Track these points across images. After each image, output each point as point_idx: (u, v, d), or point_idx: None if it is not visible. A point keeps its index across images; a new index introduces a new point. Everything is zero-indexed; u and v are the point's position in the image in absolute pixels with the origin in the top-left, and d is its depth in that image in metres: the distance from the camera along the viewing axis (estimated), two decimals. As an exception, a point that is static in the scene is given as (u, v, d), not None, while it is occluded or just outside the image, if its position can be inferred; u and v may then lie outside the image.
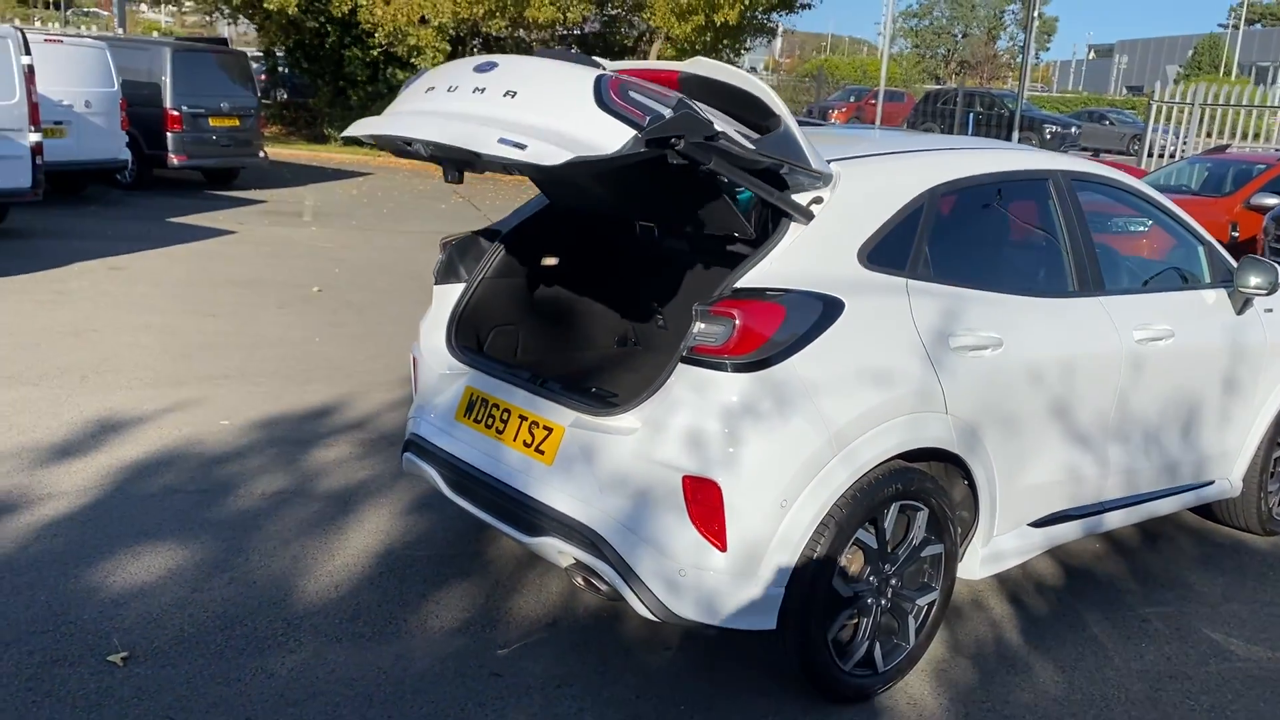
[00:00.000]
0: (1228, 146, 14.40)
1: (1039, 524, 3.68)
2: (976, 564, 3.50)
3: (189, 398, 5.71)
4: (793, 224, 3.05)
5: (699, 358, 2.85)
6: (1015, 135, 21.01)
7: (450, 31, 21.87)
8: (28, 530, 3.97)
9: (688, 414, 2.86)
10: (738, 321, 2.82)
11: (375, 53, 22.33)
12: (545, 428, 3.18)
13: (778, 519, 2.86)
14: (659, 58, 23.87)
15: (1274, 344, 4.47)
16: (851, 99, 35.79)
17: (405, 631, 3.44)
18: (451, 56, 22.96)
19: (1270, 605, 4.13)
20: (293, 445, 5.09)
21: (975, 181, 3.54)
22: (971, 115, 30.05)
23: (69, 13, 66.33)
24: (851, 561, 3.13)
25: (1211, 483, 4.44)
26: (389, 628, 3.46)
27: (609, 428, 3.01)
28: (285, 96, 30.50)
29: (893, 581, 3.22)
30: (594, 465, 3.02)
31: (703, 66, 3.14)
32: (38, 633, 3.27)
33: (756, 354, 2.83)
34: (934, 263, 3.33)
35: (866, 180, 3.27)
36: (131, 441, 4.99)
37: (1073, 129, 30.93)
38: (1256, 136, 18.57)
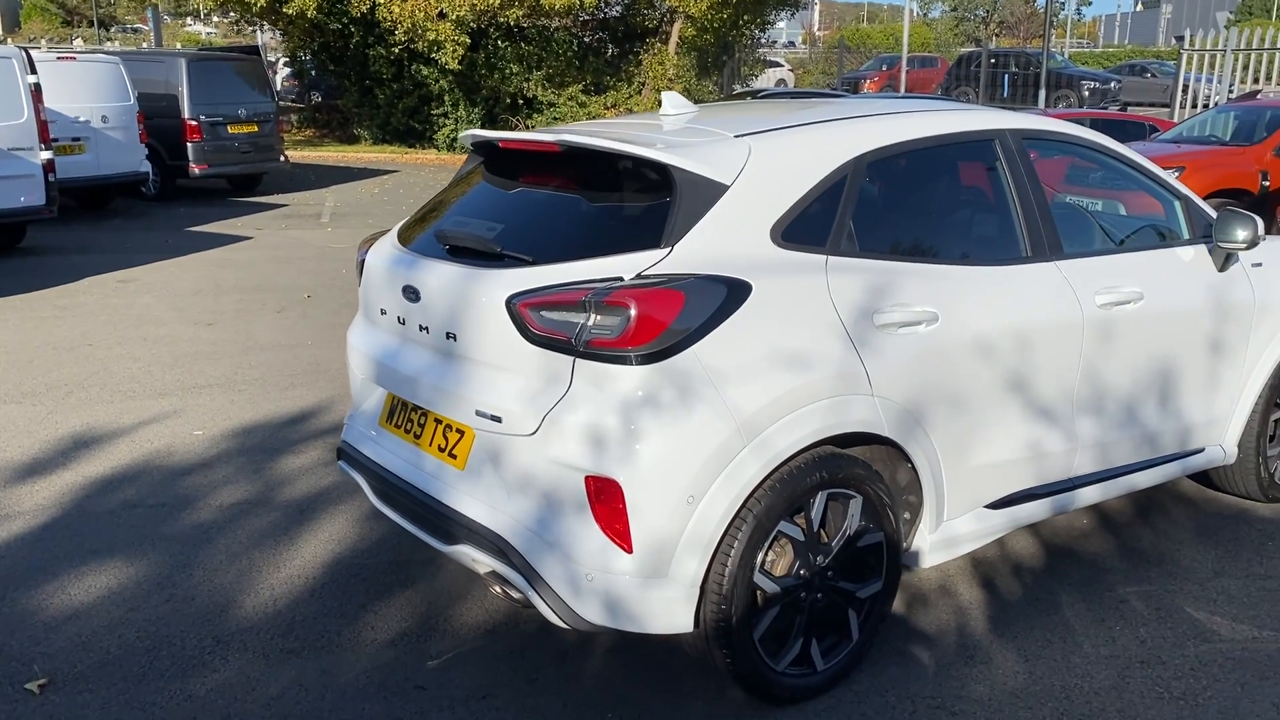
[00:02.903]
0: (1258, 93, 13.83)
1: (999, 505, 3.49)
2: (925, 551, 3.33)
3: (168, 409, 5.69)
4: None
5: (595, 351, 2.71)
6: (1042, 94, 20.44)
7: (470, 25, 21.80)
8: (-22, 554, 3.95)
9: (586, 410, 2.72)
10: (633, 311, 2.67)
11: (397, 50, 22.35)
12: (458, 430, 3.07)
13: (686, 516, 2.72)
14: (680, 38, 23.60)
15: (1264, 301, 4.21)
16: (883, 68, 35.17)
17: (337, 645, 3.36)
18: (472, 49, 22.94)
19: (1264, 580, 3.89)
20: (262, 453, 5.04)
21: (908, 147, 3.35)
22: (1006, 76, 29.34)
23: (114, 29, 67.48)
24: (778, 555, 2.98)
25: (1200, 451, 4.20)
26: (320, 641, 3.37)
27: (510, 428, 2.88)
28: (319, 99, 30.75)
29: (828, 574, 3.06)
30: (500, 468, 2.90)
31: (575, 133, 3.15)
32: (-38, 661, 3.23)
33: (655, 344, 2.68)
34: (860, 236, 3.15)
35: (780, 153, 3.10)
36: (101, 457, 4.97)
37: (1112, 84, 30.04)
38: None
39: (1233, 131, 11.71)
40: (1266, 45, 15.64)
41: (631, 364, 2.68)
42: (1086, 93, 29.54)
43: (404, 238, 3.43)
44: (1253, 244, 3.93)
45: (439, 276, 3.07)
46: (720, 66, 25.03)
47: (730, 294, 2.78)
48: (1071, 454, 3.65)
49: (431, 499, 3.07)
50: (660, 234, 2.84)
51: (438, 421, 3.14)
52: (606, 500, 2.69)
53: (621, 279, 2.75)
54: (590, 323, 2.71)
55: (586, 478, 2.71)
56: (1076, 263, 3.64)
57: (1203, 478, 4.61)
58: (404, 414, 3.30)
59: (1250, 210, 10.62)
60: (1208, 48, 16.16)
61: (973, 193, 3.69)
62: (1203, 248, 4.08)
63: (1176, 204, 4.13)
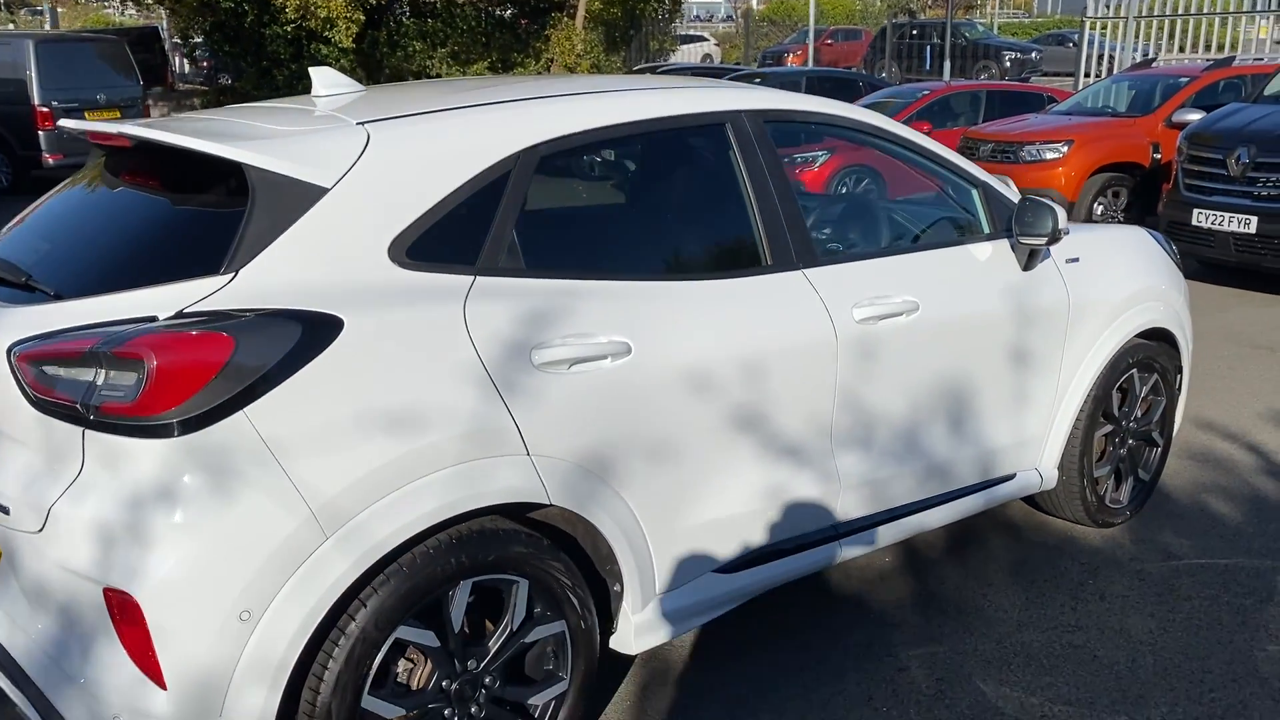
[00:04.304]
0: (1153, 61, 13.41)
1: (735, 567, 2.88)
2: (631, 634, 2.70)
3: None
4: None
5: (108, 420, 2.03)
6: (947, 65, 19.99)
7: (368, 0, 20.85)
8: None
9: (98, 500, 2.04)
10: (152, 364, 1.99)
11: (290, 29, 21.35)
12: (-6, 517, 2.37)
13: (240, 638, 2.05)
14: (587, 11, 22.80)
15: (1081, 302, 3.63)
16: (806, 40, 34.66)
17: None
18: (374, 26, 21.99)
19: (1072, 632, 3.32)
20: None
21: (601, 135, 2.69)
22: (928, 48, 28.98)
23: (24, 11, 64.86)
24: (414, 665, 2.34)
25: (1010, 477, 3.63)
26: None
27: (17, 522, 2.20)
28: (229, 81, 29.54)
29: (487, 681, 2.42)
30: (19, 573, 2.22)
31: (158, 126, 2.48)
32: None
33: (186, 408, 2.01)
34: (528, 250, 2.49)
35: (415, 145, 2.43)
36: None
37: (1033, 54, 29.76)
38: (1221, 48, 17.43)
39: (1128, 102, 11.25)
40: (1169, 12, 15.23)
41: (157, 436, 2.01)
42: (1008, 63, 29.27)
43: None
44: (1054, 239, 3.34)
45: None
46: (628, 41, 24.27)
47: (307, 334, 2.12)
48: (832, 497, 3.05)
49: None
50: (223, 255, 2.16)
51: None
52: (130, 621, 2.03)
53: (156, 319, 2.07)
54: (100, 381, 2.03)
55: (105, 590, 2.04)
56: (832, 270, 3.02)
57: (1032, 499, 4.05)
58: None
59: (1140, 186, 10.11)
60: (1109, 14, 15.72)
61: (693, 189, 3.05)
62: (1004, 243, 3.48)
63: (974, 192, 3.52)
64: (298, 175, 2.25)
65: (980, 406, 3.42)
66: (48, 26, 33.88)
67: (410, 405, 2.20)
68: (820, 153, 12.17)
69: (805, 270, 2.95)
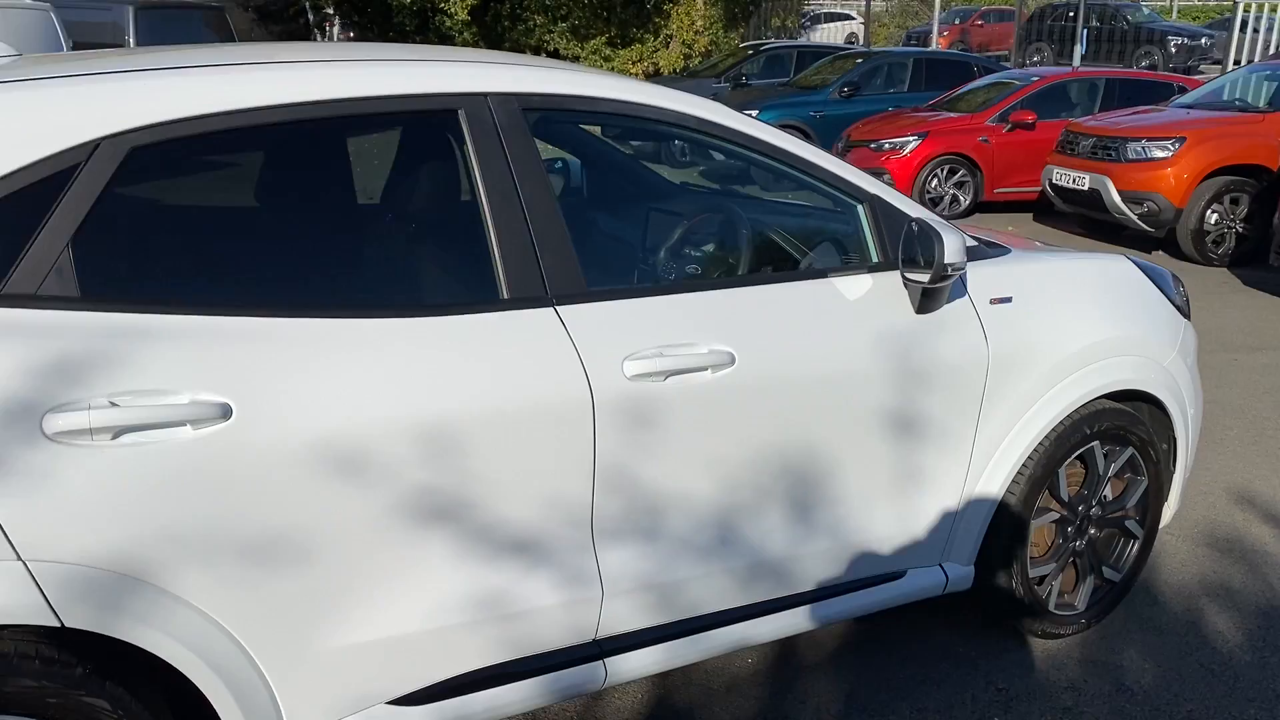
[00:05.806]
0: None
1: (426, 697, 2.19)
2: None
3: None
4: None
5: None
6: (1078, 50, 18.42)
7: (489, -28, 20.65)
8: None
9: None
10: None
11: (409, 1, 21.37)
12: None
13: None
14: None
15: (1008, 355, 2.78)
16: (956, 21, 33.16)
17: None
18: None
19: (934, 798, 2.51)
20: None
21: (240, 122, 2.00)
22: (1085, 31, 27.11)
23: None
24: None
25: (898, 575, 2.81)
26: None
27: None
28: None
29: None
30: None
31: None
32: None
33: None
34: (91, 273, 1.85)
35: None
36: None
37: (1203, 40, 27.50)
38: None
39: (1267, 95, 9.81)
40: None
41: None
42: (1174, 49, 27.17)
43: None
44: (939, 277, 2.50)
45: None
46: (748, 17, 23.29)
47: None
48: (591, 605, 2.32)
49: None
50: None
51: None
52: None
53: None
54: None
55: None
56: (603, 309, 2.27)
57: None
58: None
59: (1266, 193, 8.71)
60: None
61: (393, 196, 2.35)
62: (893, 277, 2.65)
63: (860, 209, 2.70)
64: None
65: (837, 489, 2.61)
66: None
67: None
68: (911, 138, 11.11)
69: (561, 308, 2.22)
